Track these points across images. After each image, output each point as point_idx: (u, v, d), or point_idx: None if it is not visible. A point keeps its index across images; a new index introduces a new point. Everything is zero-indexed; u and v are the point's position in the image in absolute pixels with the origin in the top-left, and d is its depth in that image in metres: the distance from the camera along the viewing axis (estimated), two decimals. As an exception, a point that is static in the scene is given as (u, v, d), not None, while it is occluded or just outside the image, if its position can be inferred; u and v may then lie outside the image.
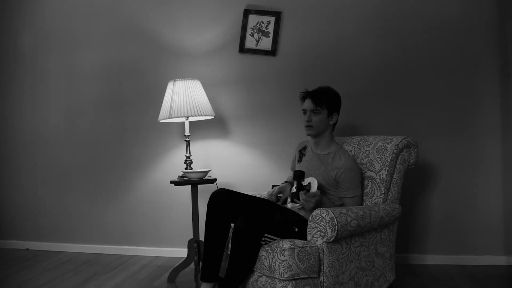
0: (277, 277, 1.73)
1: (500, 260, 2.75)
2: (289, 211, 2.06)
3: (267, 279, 1.80)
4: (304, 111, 2.17)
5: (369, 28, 2.88)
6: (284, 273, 1.71)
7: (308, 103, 2.15)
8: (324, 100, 2.11)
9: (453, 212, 2.81)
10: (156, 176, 3.18)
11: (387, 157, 2.14)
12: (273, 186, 2.19)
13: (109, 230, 3.28)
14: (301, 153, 2.30)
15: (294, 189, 2.03)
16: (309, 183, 2.01)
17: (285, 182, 2.29)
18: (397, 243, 2.22)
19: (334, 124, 2.20)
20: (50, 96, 3.39)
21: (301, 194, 1.97)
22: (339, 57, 2.92)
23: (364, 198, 2.18)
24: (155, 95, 3.11)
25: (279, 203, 2.21)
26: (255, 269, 1.87)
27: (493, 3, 2.74)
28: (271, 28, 2.97)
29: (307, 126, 2.14)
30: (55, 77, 3.37)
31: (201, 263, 2.13)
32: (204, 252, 2.05)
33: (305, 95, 2.18)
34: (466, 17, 2.77)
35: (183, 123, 3.00)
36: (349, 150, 2.31)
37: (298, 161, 2.31)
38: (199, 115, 2.63)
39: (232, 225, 2.03)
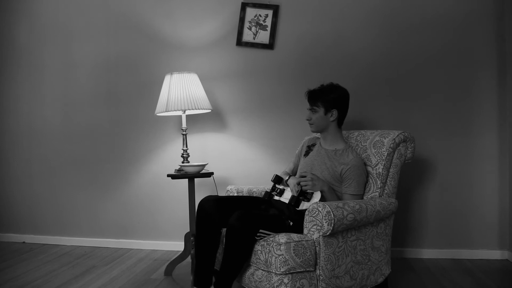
0: (273, 271, 1.74)
1: (495, 254, 2.77)
2: (283, 205, 2.07)
3: (264, 272, 1.80)
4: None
5: (368, 22, 2.87)
6: (281, 267, 1.71)
7: (308, 102, 2.20)
8: (318, 99, 2.14)
9: (449, 207, 2.83)
10: (153, 169, 3.18)
11: (383, 151, 2.14)
12: (276, 175, 2.19)
13: (106, 224, 3.28)
14: (309, 148, 2.32)
15: (295, 193, 2.03)
16: (312, 193, 2.01)
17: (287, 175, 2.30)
18: (393, 237, 2.23)
19: (338, 120, 2.19)
20: (46, 89, 3.37)
21: (302, 203, 2.00)
22: (337, 51, 2.91)
23: (361, 192, 2.17)
24: (152, 88, 3.10)
25: (274, 192, 2.20)
26: (251, 263, 1.88)
27: (492, -2, 2.74)
28: (268, 22, 2.96)
29: (309, 124, 2.20)
30: (51, 70, 3.35)
31: (192, 267, 2.14)
32: (196, 259, 2.06)
33: (306, 94, 2.22)
34: (464, 12, 2.77)
35: (180, 116, 2.99)
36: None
37: (304, 155, 2.32)
38: (196, 109, 2.62)
39: (224, 230, 2.04)
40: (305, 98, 2.22)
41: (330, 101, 2.14)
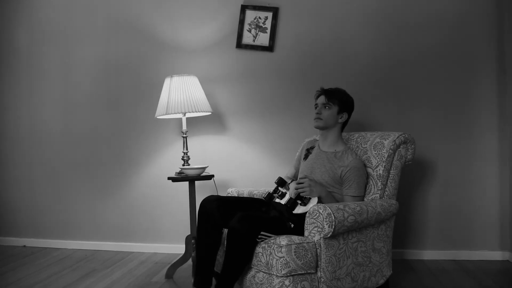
0: (274, 273, 1.74)
1: (496, 255, 2.77)
2: (283, 207, 2.07)
3: (265, 275, 1.80)
4: (316, 105, 2.22)
5: (368, 23, 2.88)
6: (282, 269, 1.71)
7: (321, 98, 2.21)
8: (336, 97, 2.17)
9: (449, 208, 2.83)
10: (153, 172, 3.18)
11: (384, 153, 2.15)
12: (280, 178, 2.18)
13: (106, 227, 3.28)
14: (308, 151, 2.32)
15: (293, 196, 2.03)
16: (310, 198, 2.00)
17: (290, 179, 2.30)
18: (394, 238, 2.23)
19: (343, 124, 2.23)
20: (47, 92, 3.37)
21: (298, 207, 2.00)
22: (337, 53, 2.92)
23: (361, 194, 2.17)
24: (152, 91, 3.10)
25: (276, 194, 2.20)
26: (252, 266, 1.88)
27: (490, -1, 2.74)
28: (268, 24, 2.97)
29: (316, 118, 2.19)
30: (51, 72, 3.36)
31: (193, 270, 2.13)
32: (197, 259, 2.06)
33: (320, 92, 2.24)
34: (463, 13, 2.78)
35: (180, 119, 2.99)
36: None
37: (303, 159, 2.32)
38: (196, 111, 2.63)
39: (225, 230, 2.04)
40: (316, 94, 2.24)
41: (345, 102, 2.19)
